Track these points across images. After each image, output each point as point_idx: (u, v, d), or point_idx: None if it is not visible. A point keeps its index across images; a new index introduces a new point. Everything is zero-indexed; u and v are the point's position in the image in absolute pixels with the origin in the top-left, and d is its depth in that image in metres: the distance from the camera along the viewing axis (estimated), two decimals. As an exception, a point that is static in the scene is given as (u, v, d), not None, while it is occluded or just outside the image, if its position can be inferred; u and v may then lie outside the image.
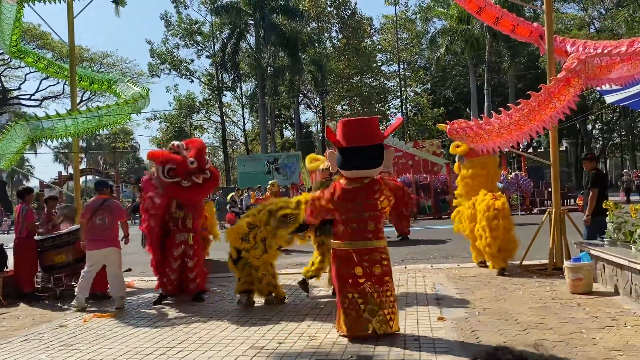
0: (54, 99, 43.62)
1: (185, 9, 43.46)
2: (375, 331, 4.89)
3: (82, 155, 57.49)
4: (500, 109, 7.19)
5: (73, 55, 10.69)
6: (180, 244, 7.20)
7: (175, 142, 7.67)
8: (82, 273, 7.23)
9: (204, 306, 6.97)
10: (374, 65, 45.06)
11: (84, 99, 41.98)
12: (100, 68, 42.17)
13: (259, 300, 6.85)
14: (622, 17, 30.77)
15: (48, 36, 36.95)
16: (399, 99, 45.59)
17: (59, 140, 9.83)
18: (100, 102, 38.39)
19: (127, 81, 12.63)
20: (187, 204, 7.22)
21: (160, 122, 46.89)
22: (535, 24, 9.52)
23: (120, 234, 7.50)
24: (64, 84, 35.13)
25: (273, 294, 6.78)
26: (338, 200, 5.11)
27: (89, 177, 43.78)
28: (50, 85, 42.33)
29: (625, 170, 27.49)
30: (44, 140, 9.34)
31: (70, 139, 10.58)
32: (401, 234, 13.90)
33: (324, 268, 7.08)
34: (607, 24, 39.31)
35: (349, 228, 5.05)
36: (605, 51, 7.53)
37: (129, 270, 10.68)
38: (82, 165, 54.65)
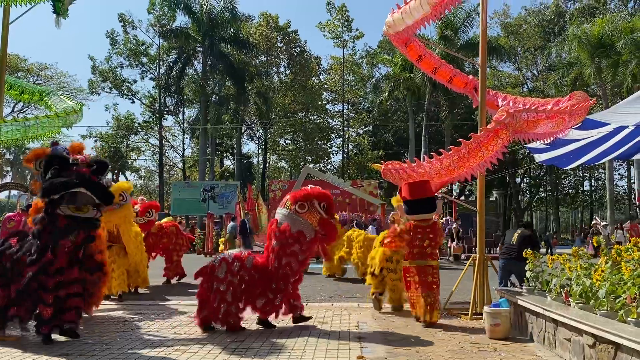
0: (-18, 106, 41.37)
1: (133, 29, 42.86)
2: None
3: (8, 168, 54.59)
4: (432, 153, 7.43)
5: (4, 62, 10.21)
6: None
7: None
8: None
9: (107, 333, 6.60)
10: (319, 103, 45.77)
11: (15, 109, 40.15)
12: (36, 80, 40.58)
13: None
14: (552, 79, 32.96)
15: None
16: (341, 138, 46.34)
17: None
18: (33, 114, 36.71)
19: (61, 94, 12.20)
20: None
21: (95, 141, 45.39)
22: (470, 77, 9.97)
23: None
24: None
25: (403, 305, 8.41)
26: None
27: (13, 192, 41.53)
28: (-21, 93, 40.19)
29: (594, 222, 28.08)
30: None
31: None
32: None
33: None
34: (538, 84, 42.03)
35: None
36: (533, 107, 7.98)
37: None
38: (7, 179, 51.86)
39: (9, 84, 11.67)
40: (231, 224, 20.12)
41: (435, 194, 7.99)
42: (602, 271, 5.26)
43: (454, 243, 20.82)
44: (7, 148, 41.35)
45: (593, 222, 27.55)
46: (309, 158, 45.19)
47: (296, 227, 6.81)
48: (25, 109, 39.87)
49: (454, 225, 21.11)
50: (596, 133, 9.13)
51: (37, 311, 6.00)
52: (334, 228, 7.10)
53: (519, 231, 8.84)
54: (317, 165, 45.15)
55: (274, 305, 6.84)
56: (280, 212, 7.06)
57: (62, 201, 5.80)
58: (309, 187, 7.23)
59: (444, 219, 22.86)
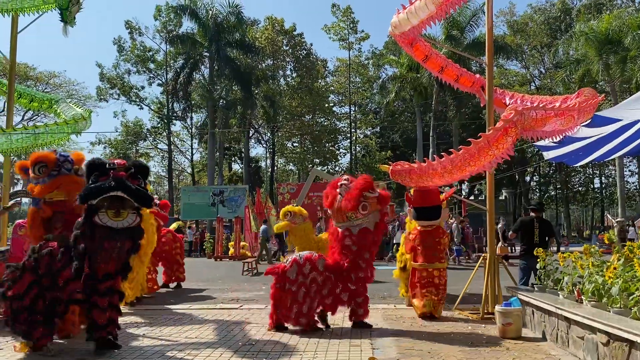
0: (-6, 115, 41.73)
1: (140, 35, 43.09)
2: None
3: (19, 176, 55.01)
4: (442, 153, 7.41)
5: (13, 70, 10.29)
6: None
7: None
8: None
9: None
10: (326, 105, 45.75)
11: (25, 118, 40.48)
12: (45, 88, 40.86)
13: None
14: (559, 77, 32.81)
15: (-9, 51, 35.58)
16: (348, 140, 46.31)
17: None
18: (42, 122, 36.95)
19: (70, 102, 12.26)
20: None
21: (104, 147, 45.65)
22: (477, 75, 9.94)
23: None
24: (5, 101, 33.73)
25: None
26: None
27: (24, 200, 41.66)
28: (-10, 102, 40.57)
29: (620, 220, 27.30)
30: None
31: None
32: None
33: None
34: (546, 82, 41.77)
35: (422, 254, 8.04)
36: (541, 105, 7.93)
37: None
38: (18, 187, 52.27)
39: (19, 93, 11.74)
40: (263, 227, 20.34)
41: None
42: (615, 268, 5.23)
43: (500, 243, 20.28)
44: (17, 156, 41.67)
45: (619, 220, 26.98)
46: (317, 160, 45.17)
47: (372, 224, 7.23)
48: (35, 117, 40.17)
49: (500, 225, 20.46)
50: (605, 130, 9.05)
51: (90, 320, 5.86)
52: (386, 195, 7.52)
53: (536, 222, 9.10)
54: (325, 167, 45.14)
55: (363, 299, 7.33)
56: (347, 225, 7.19)
57: (102, 207, 5.60)
58: (341, 183, 7.43)
59: (453, 219, 22.72)
